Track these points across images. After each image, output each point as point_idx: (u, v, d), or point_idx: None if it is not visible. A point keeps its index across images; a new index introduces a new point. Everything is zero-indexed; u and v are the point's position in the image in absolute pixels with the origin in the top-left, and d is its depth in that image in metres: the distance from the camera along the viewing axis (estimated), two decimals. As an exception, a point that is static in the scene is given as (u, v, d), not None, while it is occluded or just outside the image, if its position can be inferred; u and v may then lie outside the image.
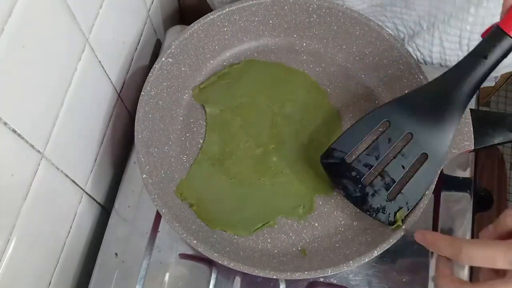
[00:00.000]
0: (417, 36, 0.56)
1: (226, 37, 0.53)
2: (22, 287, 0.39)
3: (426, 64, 0.59)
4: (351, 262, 0.42)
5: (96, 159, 0.50)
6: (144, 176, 0.44)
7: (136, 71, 0.55)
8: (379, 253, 0.42)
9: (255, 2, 0.51)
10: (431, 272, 0.47)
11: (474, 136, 0.45)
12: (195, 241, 0.42)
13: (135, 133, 0.45)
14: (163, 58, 0.48)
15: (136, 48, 0.54)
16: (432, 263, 0.48)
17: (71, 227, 0.46)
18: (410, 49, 0.59)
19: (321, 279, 0.47)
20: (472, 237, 0.49)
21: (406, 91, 0.48)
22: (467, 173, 0.52)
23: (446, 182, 0.51)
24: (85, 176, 0.48)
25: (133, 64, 0.54)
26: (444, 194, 0.50)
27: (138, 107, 0.46)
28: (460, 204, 0.50)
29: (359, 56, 0.53)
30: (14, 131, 0.33)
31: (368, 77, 0.53)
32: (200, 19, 0.50)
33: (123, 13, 0.49)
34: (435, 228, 0.49)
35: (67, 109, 0.41)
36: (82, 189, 0.47)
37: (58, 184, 0.42)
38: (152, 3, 0.57)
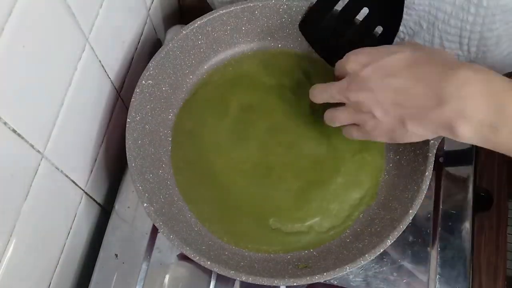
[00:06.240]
0: (417, 36, 0.56)
1: (202, 50, 0.52)
2: (22, 288, 0.39)
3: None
4: (366, 255, 0.41)
5: (96, 159, 0.49)
6: (145, 205, 0.43)
7: (136, 71, 0.55)
8: (392, 241, 0.42)
9: (225, 11, 0.50)
10: (432, 273, 0.47)
11: None
12: (209, 262, 0.41)
13: (128, 162, 0.44)
14: (143, 81, 0.47)
15: (136, 48, 0.54)
16: (433, 264, 0.48)
17: (71, 228, 0.46)
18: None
19: (322, 281, 0.47)
20: (472, 237, 0.49)
21: None
22: (467, 173, 0.52)
23: (446, 182, 0.51)
24: (85, 177, 0.48)
25: (133, 64, 0.54)
26: (444, 194, 0.50)
27: (126, 134, 0.45)
28: (460, 204, 0.50)
29: None
30: (14, 131, 0.33)
31: None
32: (174, 36, 0.49)
33: (123, 12, 0.49)
34: (435, 227, 0.49)
35: (67, 109, 0.41)
36: (82, 190, 0.47)
37: (58, 185, 0.42)
38: (152, 2, 0.57)
